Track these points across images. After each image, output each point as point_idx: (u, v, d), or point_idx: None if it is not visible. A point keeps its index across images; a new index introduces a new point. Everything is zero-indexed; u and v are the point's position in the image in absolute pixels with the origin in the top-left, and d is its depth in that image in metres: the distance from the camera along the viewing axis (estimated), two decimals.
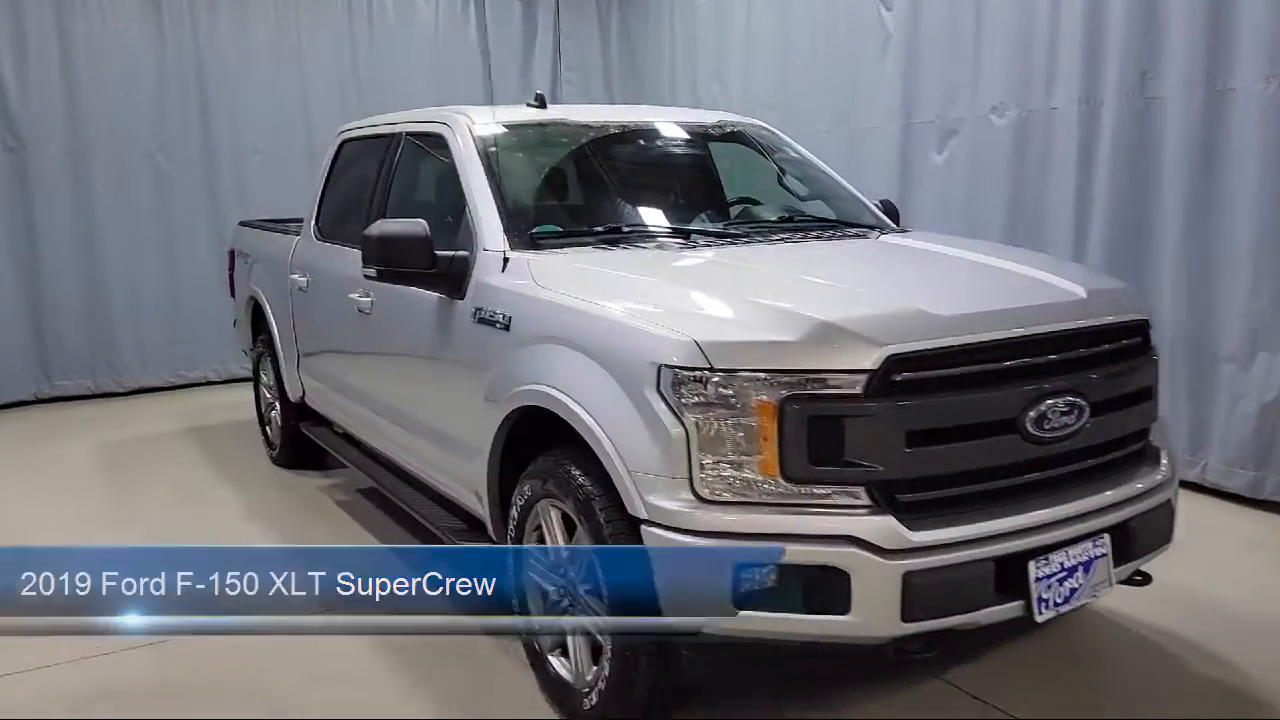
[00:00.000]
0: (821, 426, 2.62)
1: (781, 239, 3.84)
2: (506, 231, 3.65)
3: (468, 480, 3.75)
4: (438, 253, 3.66)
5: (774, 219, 4.23)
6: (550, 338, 3.17)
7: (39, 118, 7.99)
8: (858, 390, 2.62)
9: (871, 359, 2.63)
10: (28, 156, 7.99)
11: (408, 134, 4.58)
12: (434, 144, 4.30)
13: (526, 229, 3.71)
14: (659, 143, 4.54)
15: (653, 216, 4.16)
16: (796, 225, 4.11)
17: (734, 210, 4.50)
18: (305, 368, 5.53)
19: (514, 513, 3.40)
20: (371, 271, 3.74)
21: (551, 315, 3.20)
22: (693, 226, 3.96)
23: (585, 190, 4.23)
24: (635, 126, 4.49)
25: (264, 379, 6.41)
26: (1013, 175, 6.09)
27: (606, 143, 4.36)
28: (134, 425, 7.53)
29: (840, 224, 4.15)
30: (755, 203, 4.51)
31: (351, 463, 4.99)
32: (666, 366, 2.71)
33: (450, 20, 9.56)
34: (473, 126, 4.08)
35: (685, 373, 2.69)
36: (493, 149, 3.98)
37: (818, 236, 3.93)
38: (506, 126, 4.16)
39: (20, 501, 5.75)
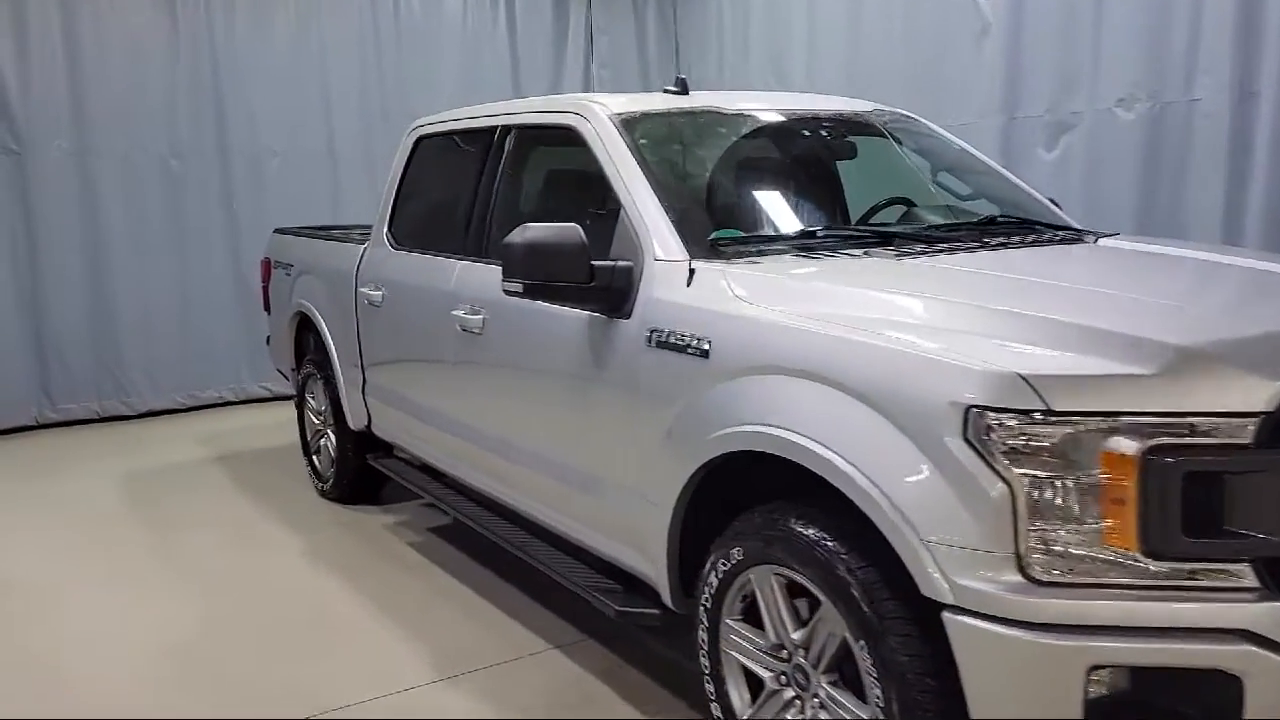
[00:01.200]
0: (1197, 486, 2.02)
1: (999, 244, 3.23)
2: (681, 237, 3.04)
3: (630, 534, 3.13)
4: (595, 263, 3.05)
5: (975, 221, 3.60)
6: (778, 368, 2.55)
7: (41, 116, 7.28)
8: (1245, 439, 2.02)
9: (1264, 398, 2.03)
10: (28, 159, 7.28)
11: (519, 127, 3.95)
12: (558, 138, 3.69)
13: (702, 234, 3.09)
14: (824, 133, 3.92)
15: (837, 217, 3.57)
16: (1002, 228, 3.50)
17: (894, 211, 3.89)
18: (374, 392, 4.88)
19: (712, 579, 2.78)
20: (516, 286, 3.10)
21: (780, 340, 2.57)
22: (895, 229, 3.36)
23: (755, 188, 3.59)
24: (793, 115, 3.86)
25: (312, 404, 5.75)
26: (1143, 174, 5.55)
27: (767, 134, 3.75)
28: (153, 453, 6.82)
29: (1046, 226, 3.55)
30: (910, 203, 3.91)
31: (443, 503, 4.35)
32: (979, 408, 2.11)
33: (479, 16, 8.94)
34: (614, 116, 3.46)
35: (1007, 416, 2.08)
36: (643, 142, 3.36)
37: (1036, 241, 3.33)
38: (652, 115, 3.55)
39: (52, 553, 5.01)
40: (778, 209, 3.54)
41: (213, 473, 6.31)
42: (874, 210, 3.86)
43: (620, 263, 3.06)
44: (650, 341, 2.92)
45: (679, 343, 2.82)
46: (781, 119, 3.80)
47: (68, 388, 7.63)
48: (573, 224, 3.06)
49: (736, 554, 2.68)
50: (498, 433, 3.79)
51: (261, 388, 8.36)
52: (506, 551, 3.87)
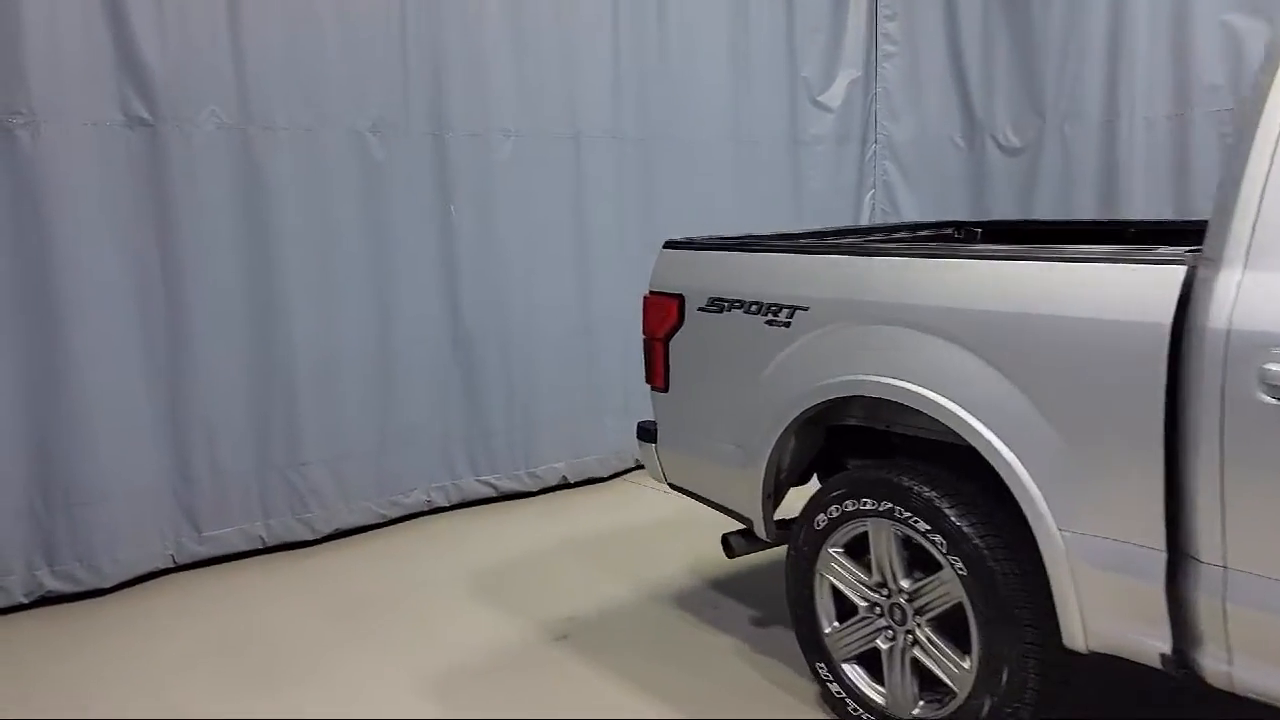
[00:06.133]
0: None
1: None
2: None
3: None
4: None
5: None
6: None
7: (187, 75, 4.43)
8: None
9: None
10: (168, 134, 4.42)
11: None
12: None
13: None
14: None
15: None
16: None
17: None
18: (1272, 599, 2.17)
19: None
20: None
21: None
22: None
23: None
24: None
25: (848, 572, 3.02)
26: None
27: None
28: (417, 621, 3.97)
29: None
30: None
31: None
32: None
33: None
34: None
35: None
36: None
37: None
38: None
39: None
40: None
41: (581, 675, 3.50)
42: None
43: None
44: None
45: None
46: None
47: (219, 503, 4.73)
48: None
49: None
50: None
51: (482, 483, 5.57)
52: None
